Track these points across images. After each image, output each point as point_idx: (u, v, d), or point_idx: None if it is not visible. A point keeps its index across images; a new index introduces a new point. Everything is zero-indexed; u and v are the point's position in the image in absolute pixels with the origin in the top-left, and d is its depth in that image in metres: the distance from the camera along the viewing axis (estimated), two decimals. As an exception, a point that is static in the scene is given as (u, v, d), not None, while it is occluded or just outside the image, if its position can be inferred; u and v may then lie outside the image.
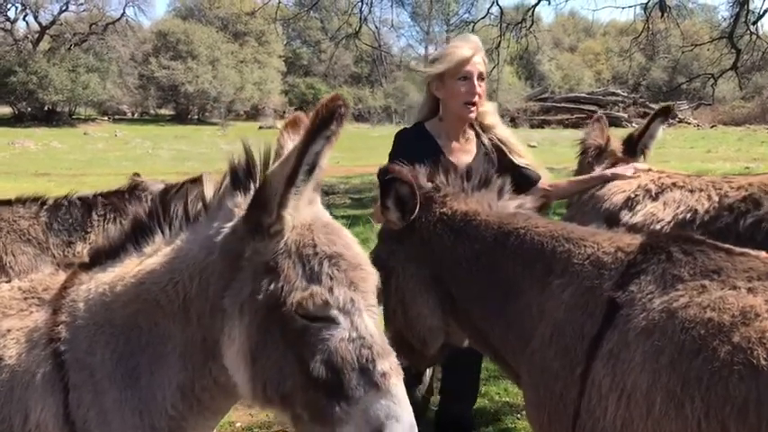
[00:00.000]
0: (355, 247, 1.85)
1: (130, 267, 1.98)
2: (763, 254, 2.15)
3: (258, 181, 1.82)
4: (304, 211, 1.80)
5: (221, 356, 1.83)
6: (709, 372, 1.86)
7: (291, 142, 1.92)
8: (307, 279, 1.72)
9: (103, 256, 2.07)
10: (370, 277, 1.83)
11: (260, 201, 1.75)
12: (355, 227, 8.61)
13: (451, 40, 3.88)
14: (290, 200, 1.73)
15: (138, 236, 2.02)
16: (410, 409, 1.74)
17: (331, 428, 1.72)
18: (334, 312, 1.72)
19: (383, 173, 2.64)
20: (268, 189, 1.73)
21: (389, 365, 1.74)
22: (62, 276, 2.10)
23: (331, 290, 1.72)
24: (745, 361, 1.82)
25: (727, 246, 2.20)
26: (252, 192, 1.82)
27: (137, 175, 4.81)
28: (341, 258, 1.77)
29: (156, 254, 1.97)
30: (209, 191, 1.93)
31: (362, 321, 1.75)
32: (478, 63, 3.58)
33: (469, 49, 3.56)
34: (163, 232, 1.99)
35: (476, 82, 3.56)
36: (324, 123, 1.64)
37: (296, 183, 1.70)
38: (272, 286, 1.72)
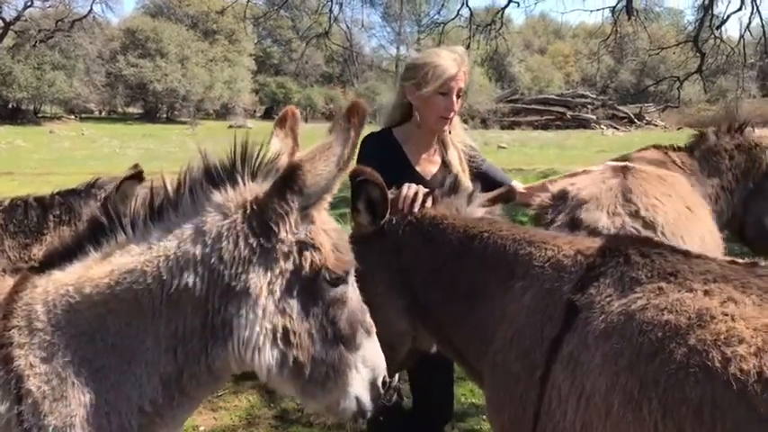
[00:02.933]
0: None
1: (96, 268, 1.92)
2: (719, 256, 2.16)
3: (248, 175, 1.93)
4: None
5: (231, 338, 1.89)
6: (666, 374, 1.87)
7: (282, 138, 2.20)
8: (333, 250, 2.00)
9: (58, 258, 2.00)
10: None
11: (293, 187, 1.88)
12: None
13: (437, 49, 3.64)
14: (336, 183, 1.95)
15: (97, 236, 1.97)
16: None
17: (343, 376, 2.03)
18: (351, 277, 2.08)
19: (355, 175, 2.60)
20: (305, 176, 1.88)
21: (369, 316, 2.18)
22: (10, 281, 2.02)
23: (350, 256, 2.06)
24: (700, 363, 1.82)
25: (684, 248, 2.22)
26: (243, 185, 1.92)
27: (136, 166, 4.45)
28: (344, 233, 2.10)
29: (125, 253, 1.91)
30: (171, 189, 1.93)
31: (354, 282, 2.13)
32: (461, 79, 3.45)
33: (455, 63, 3.42)
34: (125, 231, 1.94)
35: (454, 98, 3.44)
36: (364, 119, 1.91)
37: (346, 168, 1.93)
38: (315, 259, 1.95)
